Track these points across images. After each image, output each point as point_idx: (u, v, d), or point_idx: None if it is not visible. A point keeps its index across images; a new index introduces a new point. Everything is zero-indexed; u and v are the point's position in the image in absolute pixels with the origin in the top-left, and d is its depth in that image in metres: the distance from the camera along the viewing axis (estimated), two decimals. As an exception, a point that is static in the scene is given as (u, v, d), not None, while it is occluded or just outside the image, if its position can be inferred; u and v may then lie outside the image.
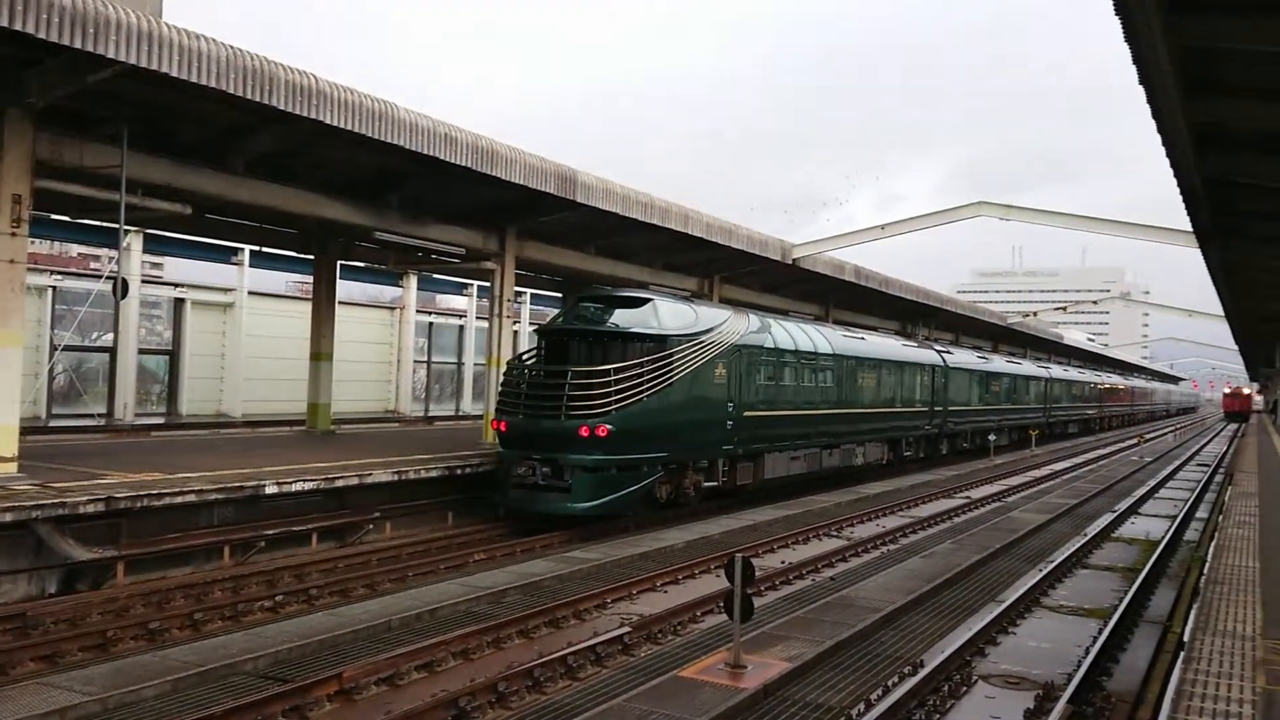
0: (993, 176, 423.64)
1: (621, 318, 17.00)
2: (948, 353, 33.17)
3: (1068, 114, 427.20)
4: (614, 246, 23.02)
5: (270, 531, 13.26)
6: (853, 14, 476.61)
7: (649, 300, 17.71)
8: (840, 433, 23.53)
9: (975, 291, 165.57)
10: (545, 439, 15.78)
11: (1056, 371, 50.72)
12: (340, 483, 14.27)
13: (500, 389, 17.43)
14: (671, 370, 16.70)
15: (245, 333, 25.34)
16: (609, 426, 15.46)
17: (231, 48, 11.82)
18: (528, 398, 16.10)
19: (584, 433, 15.42)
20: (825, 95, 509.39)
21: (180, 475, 13.22)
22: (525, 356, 18.47)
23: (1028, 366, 45.54)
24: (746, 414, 18.99)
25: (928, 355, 30.58)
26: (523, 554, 14.51)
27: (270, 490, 13.26)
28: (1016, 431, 39.92)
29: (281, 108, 12.44)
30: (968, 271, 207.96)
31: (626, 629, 9.95)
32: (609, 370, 15.80)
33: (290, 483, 13.53)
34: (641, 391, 16.09)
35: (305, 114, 12.71)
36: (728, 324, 18.83)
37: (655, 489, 16.93)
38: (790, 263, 25.53)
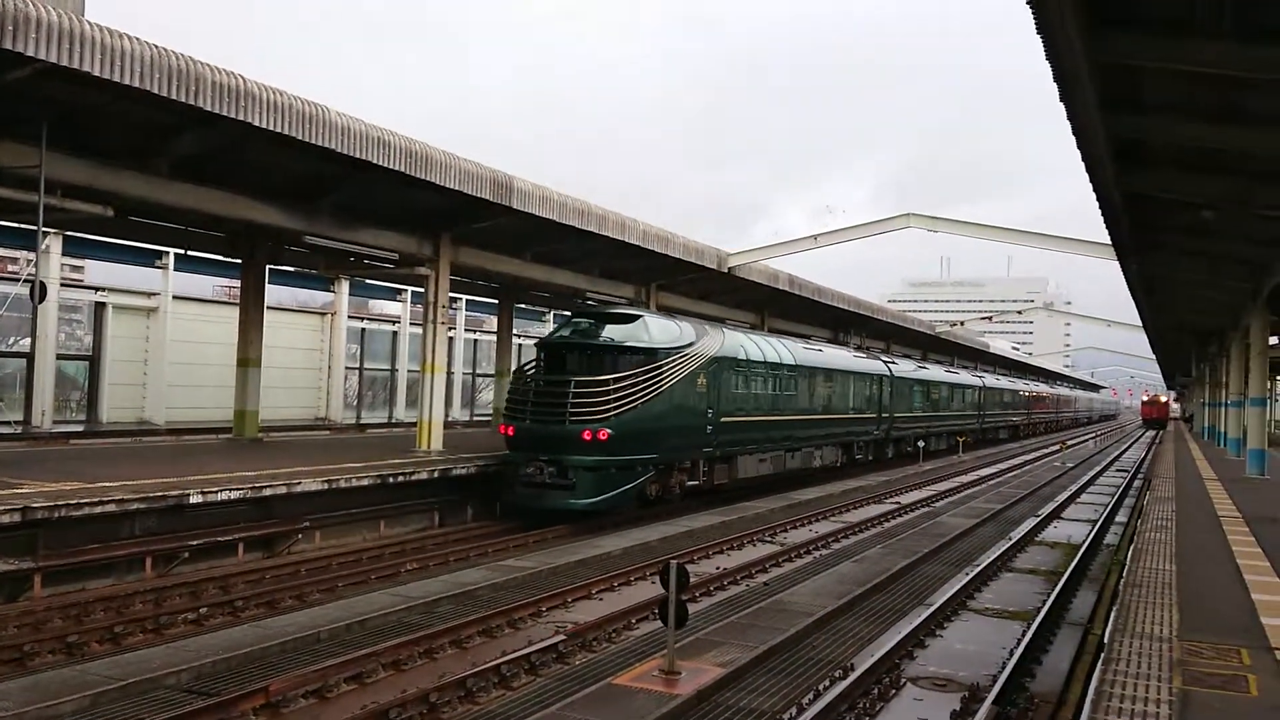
0: (924, 189, 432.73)
1: (615, 332, 18.57)
2: (893, 363, 35.32)
3: (998, 128, 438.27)
4: (551, 253, 22.97)
5: (194, 542, 12.92)
6: (782, 31, 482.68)
7: (640, 316, 19.51)
8: (802, 437, 25.45)
9: (906, 301, 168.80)
10: (551, 442, 17.23)
11: (989, 380, 53.49)
12: (268, 491, 13.97)
13: (507, 397, 19.13)
14: (661, 380, 18.33)
15: (169, 338, 24.66)
16: (609, 430, 17.02)
17: (156, 47, 11.53)
18: (534, 405, 17.67)
19: (586, 436, 16.95)
20: (758, 108, 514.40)
21: (100, 484, 12.80)
22: (527, 367, 19.46)
23: (964, 376, 48.18)
24: (724, 419, 20.63)
25: (876, 366, 32.67)
26: (456, 563, 14.38)
27: (195, 500, 12.92)
28: (953, 436, 42.55)
29: (208, 109, 12.17)
30: (899, 281, 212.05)
31: (561, 637, 9.91)
32: (609, 380, 17.36)
33: (215, 492, 13.20)
34: (636, 399, 17.64)
35: (233, 115, 12.45)
36: (707, 338, 20.58)
37: (646, 487, 18.48)
38: (726, 271, 25.75)
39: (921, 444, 35.05)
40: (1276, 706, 5.70)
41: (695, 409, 19.59)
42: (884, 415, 32.44)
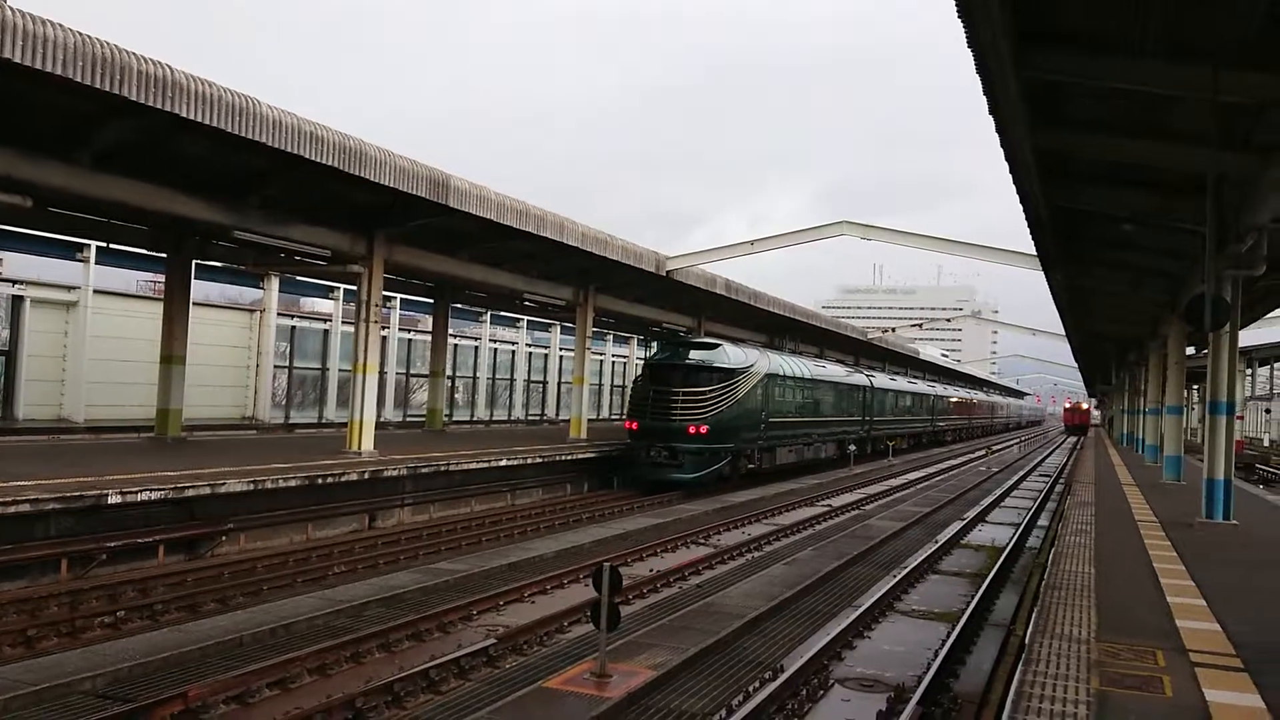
0: (857, 199, 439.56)
1: (703, 355, 25.45)
2: (873, 377, 42.67)
3: (930, 143, 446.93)
4: (489, 253, 22.79)
5: (113, 544, 12.51)
6: (721, 42, 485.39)
7: (719, 345, 26.40)
8: (816, 435, 32.63)
9: (839, 307, 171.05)
10: (665, 433, 23.95)
11: (939, 389, 61.71)
12: (190, 492, 13.60)
13: (630, 401, 27.48)
14: (737, 390, 25.31)
15: (90, 333, 23.87)
16: (707, 426, 23.92)
17: (81, 34, 11.16)
18: (652, 407, 24.32)
19: (691, 430, 23.83)
20: (698, 117, 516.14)
21: (14, 483, 12.32)
22: (639, 380, 26.73)
23: (922, 386, 56.14)
24: (771, 420, 27.78)
25: (861, 378, 40.03)
26: (386, 566, 14.18)
27: (114, 500, 12.52)
28: (915, 437, 51.24)
29: (134, 99, 11.80)
30: (833, 288, 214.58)
31: (492, 641, 9.83)
32: (705, 390, 24.30)
33: (136, 492, 12.81)
34: (723, 403, 24.62)
35: (160, 106, 12.10)
36: (762, 359, 27.83)
37: (725, 467, 25.04)
38: (664, 275, 25.81)
39: (853, 449, 36.81)
40: (1190, 707, 5.87)
41: (756, 412, 26.61)
42: (867, 419, 39.74)
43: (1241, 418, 47.47)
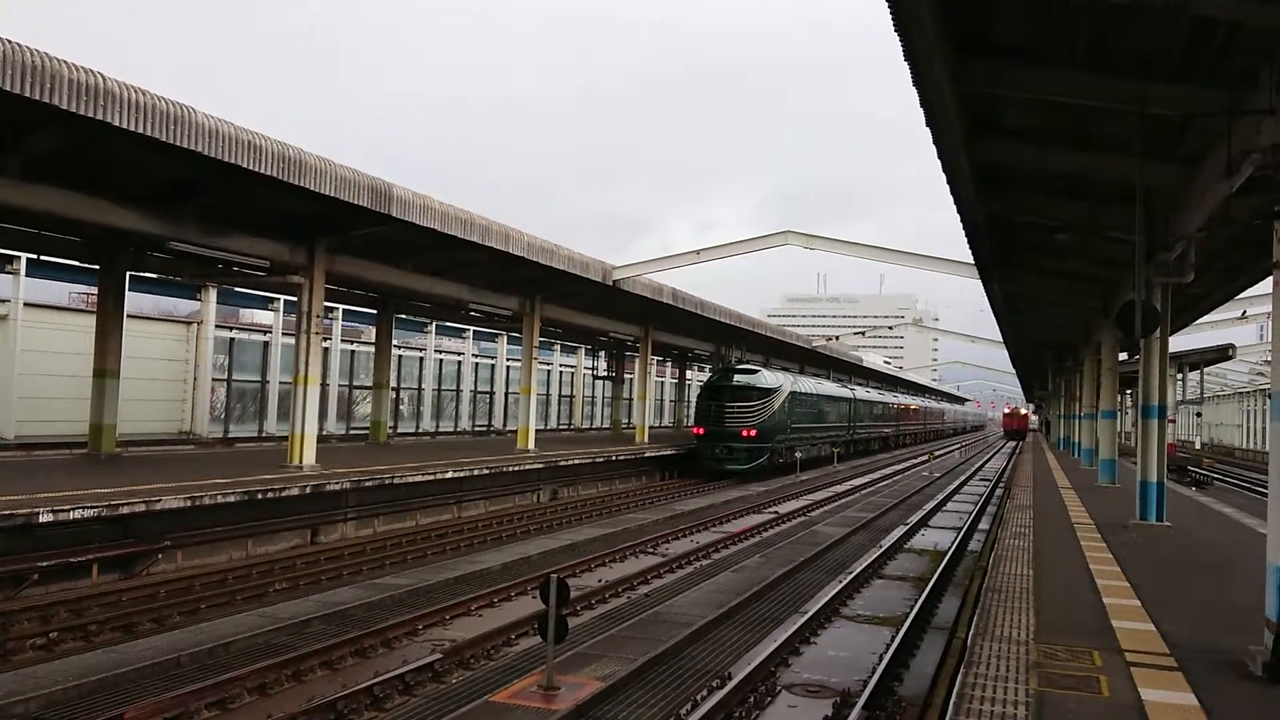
0: (804, 207, 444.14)
1: (748, 378, 34.51)
2: (854, 389, 51.88)
3: (876, 151, 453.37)
4: (433, 263, 22.58)
5: (45, 563, 12.13)
6: (666, 47, 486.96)
7: (760, 370, 36.01)
8: (819, 438, 41.66)
9: (785, 315, 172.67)
10: (725, 436, 32.84)
11: (902, 398, 72.13)
12: (125, 509, 13.24)
13: (696, 413, 35.68)
14: (774, 404, 34.49)
15: (20, 347, 23.17)
16: (755, 430, 32.95)
17: (8, 41, 10.86)
18: (715, 416, 33.14)
19: (744, 433, 32.79)
20: (641, 125, 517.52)
21: (-63, 504, 11.92)
22: (701, 397, 35.51)
23: (887, 396, 65.02)
24: (792, 426, 36.74)
25: (846, 391, 49.16)
26: (328, 581, 13.95)
27: (45, 518, 12.14)
28: (884, 440, 59.70)
29: (65, 107, 11.50)
30: (778, 296, 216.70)
31: (438, 656, 9.72)
32: (752, 404, 33.37)
33: (68, 510, 12.44)
34: (765, 413, 33.75)
35: (91, 114, 11.80)
36: (788, 380, 37.30)
37: (765, 461, 33.60)
38: (611, 284, 25.82)
39: (799, 455, 37.95)
40: (1126, 706, 6.00)
41: (785, 420, 35.57)
42: (850, 425, 48.37)
43: (1173, 421, 48.78)
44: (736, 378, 34.40)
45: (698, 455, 33.01)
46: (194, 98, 13.42)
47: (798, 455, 37.12)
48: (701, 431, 33.35)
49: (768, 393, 34.04)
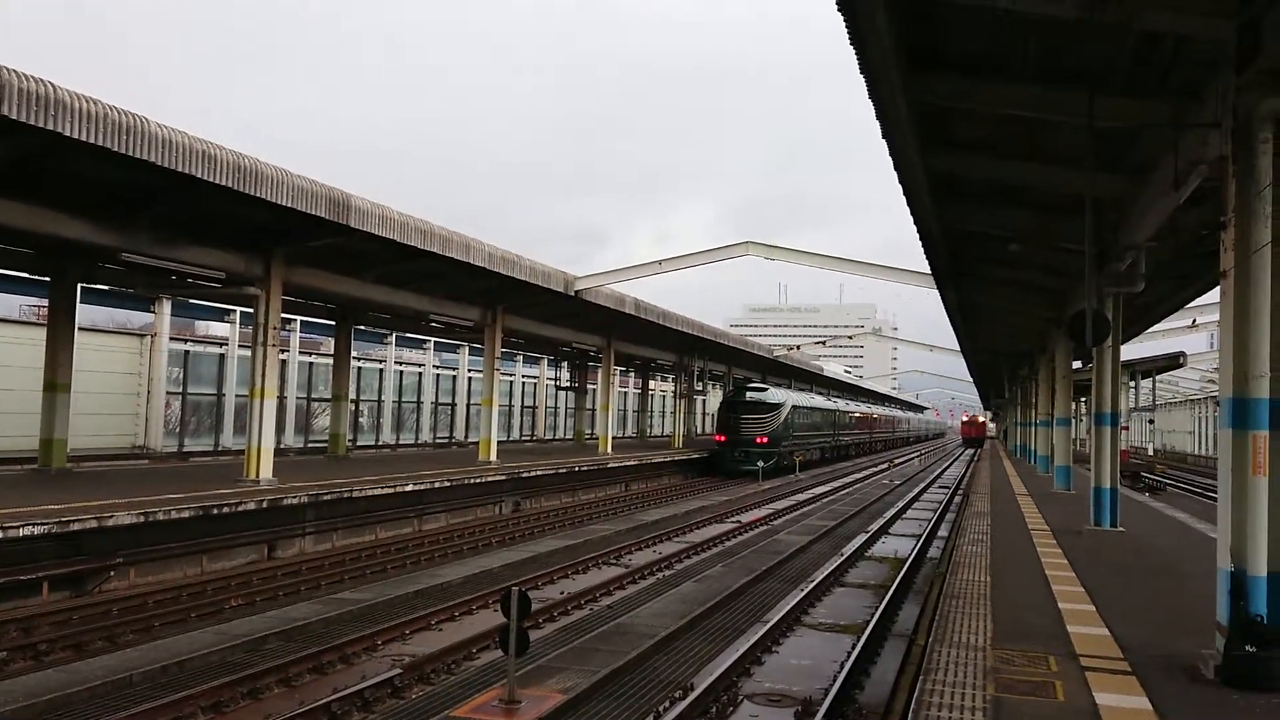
0: (762, 218, 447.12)
1: (759, 395, 42.44)
2: (836, 401, 60.16)
3: (833, 161, 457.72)
4: (393, 274, 22.40)
5: (-9, 583, 11.84)
6: (624, 57, 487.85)
7: (768, 388, 44.20)
8: (812, 444, 49.15)
9: (746, 325, 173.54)
10: (742, 442, 40.09)
11: (878, 408, 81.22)
12: (76, 526, 12.95)
13: (717, 423, 43.17)
14: (780, 416, 41.95)
15: (-34, 361, 22.64)
16: (767, 437, 40.25)
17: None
18: (734, 426, 40.47)
19: (758, 440, 40.01)
20: (597, 138, 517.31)
21: (-122, 523, 11.58)
22: (721, 410, 43.75)
23: (861, 405, 72.12)
24: (793, 434, 44.01)
25: (830, 403, 57.05)
26: (285, 597, 13.75)
27: (-9, 537, 11.84)
28: (858, 447, 65.09)
29: (14, 117, 11.28)
30: (740, 306, 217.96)
31: (398, 671, 9.61)
32: (763, 416, 40.88)
33: (16, 527, 12.15)
34: (773, 424, 41.13)
35: (40, 124, 11.58)
36: (790, 395, 45.49)
37: (774, 464, 39.72)
38: (573, 295, 25.79)
39: (761, 464, 39.10)
40: (1081, 710, 6.06)
41: (788, 429, 42.91)
42: (834, 433, 55.93)
43: (1126, 428, 49.66)
44: (750, 394, 42.36)
45: (719, 458, 40.46)
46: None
47: (797, 458, 43.38)
48: (723, 439, 40.80)
49: (775, 406, 41.77)
